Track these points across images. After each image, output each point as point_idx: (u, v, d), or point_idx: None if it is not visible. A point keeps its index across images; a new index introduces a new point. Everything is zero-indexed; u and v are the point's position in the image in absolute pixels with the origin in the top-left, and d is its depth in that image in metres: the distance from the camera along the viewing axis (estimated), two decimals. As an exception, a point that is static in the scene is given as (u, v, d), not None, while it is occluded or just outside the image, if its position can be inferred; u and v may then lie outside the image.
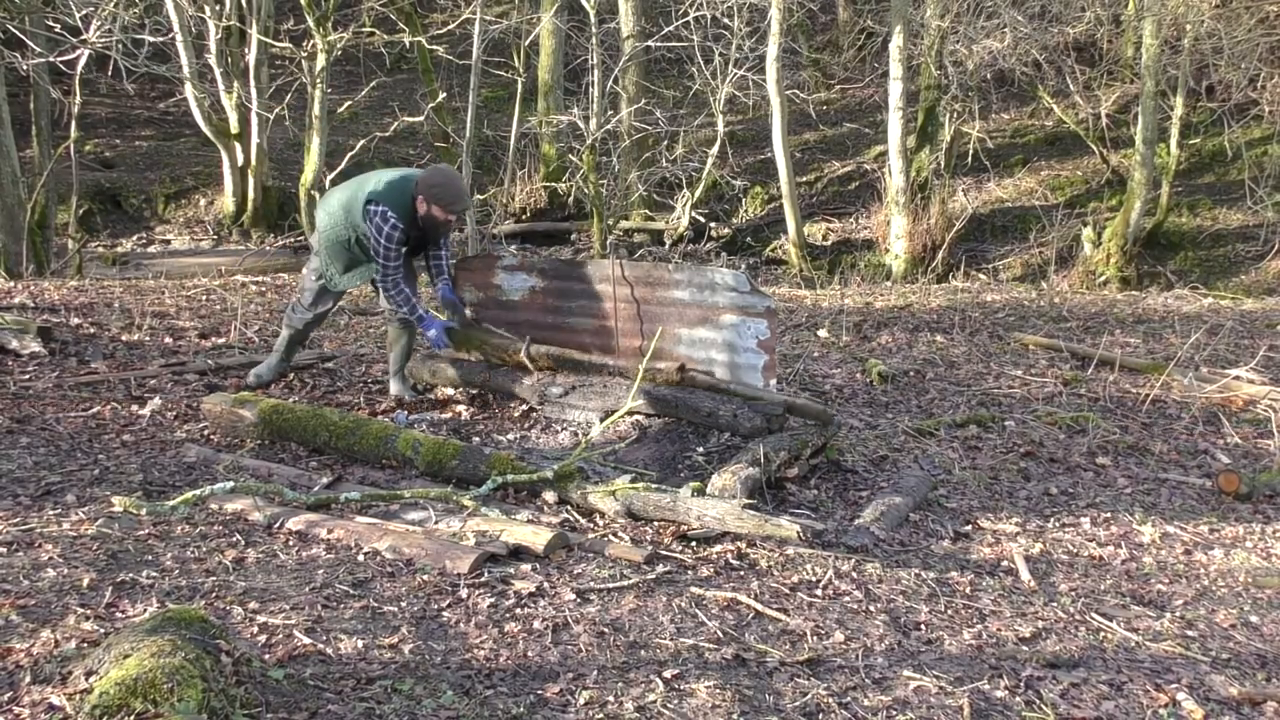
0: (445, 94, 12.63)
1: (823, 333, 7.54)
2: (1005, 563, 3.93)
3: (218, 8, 10.70)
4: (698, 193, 13.63)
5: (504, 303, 5.39)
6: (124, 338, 6.02)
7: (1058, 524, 4.40)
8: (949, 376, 6.43)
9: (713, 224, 14.08)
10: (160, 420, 4.78)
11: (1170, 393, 6.16)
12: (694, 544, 3.76)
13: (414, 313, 5.05)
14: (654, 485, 3.93)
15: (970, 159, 14.17)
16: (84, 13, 8.74)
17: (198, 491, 3.74)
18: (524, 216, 14.27)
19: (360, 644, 2.80)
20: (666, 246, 13.57)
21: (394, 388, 5.25)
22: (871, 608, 3.37)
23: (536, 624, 3.02)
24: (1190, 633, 3.45)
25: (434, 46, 11.04)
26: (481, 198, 13.29)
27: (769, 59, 12.47)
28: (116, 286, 7.96)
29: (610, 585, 3.33)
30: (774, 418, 4.58)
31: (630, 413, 4.70)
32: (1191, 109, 13.76)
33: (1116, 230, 12.58)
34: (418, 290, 5.25)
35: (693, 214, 13.71)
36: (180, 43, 10.18)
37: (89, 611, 2.84)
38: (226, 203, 13.17)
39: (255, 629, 2.84)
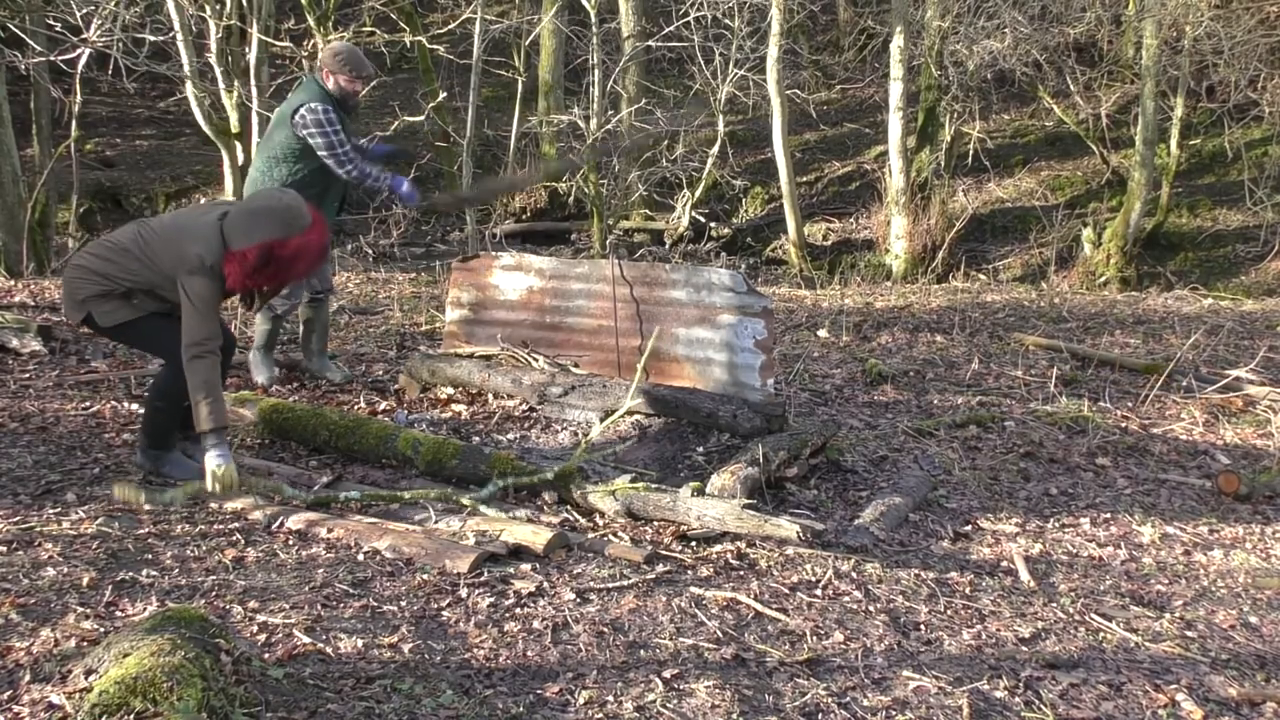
0: (446, 93, 12.61)
1: (823, 333, 7.54)
2: (1005, 563, 3.93)
3: (218, 7, 10.70)
4: (698, 193, 13.63)
5: (502, 302, 5.39)
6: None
7: (1057, 524, 4.40)
8: (949, 376, 6.43)
9: (713, 224, 14.09)
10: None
11: (1170, 393, 6.17)
12: (694, 544, 3.77)
13: (379, 179, 5.04)
14: (654, 485, 3.93)
15: (970, 159, 14.17)
16: (84, 11, 8.74)
17: (197, 483, 3.74)
18: (524, 216, 14.28)
19: (360, 643, 2.80)
20: (666, 246, 13.58)
21: (258, 367, 5.27)
22: (871, 608, 3.37)
23: (536, 624, 3.02)
24: (1190, 633, 3.45)
25: (434, 46, 11.04)
26: (482, 197, 13.29)
27: (769, 59, 12.46)
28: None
29: (610, 585, 3.33)
30: (773, 418, 4.58)
31: (630, 412, 4.70)
32: (1191, 109, 13.77)
33: (1116, 230, 12.59)
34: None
35: (693, 214, 13.72)
36: (181, 42, 10.17)
37: (89, 610, 2.85)
38: (226, 202, 13.18)
39: (255, 628, 2.84)
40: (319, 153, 4.94)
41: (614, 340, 5.10)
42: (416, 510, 3.85)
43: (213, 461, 3.68)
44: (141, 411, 4.35)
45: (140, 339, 4.08)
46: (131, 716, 2.11)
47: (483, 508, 3.84)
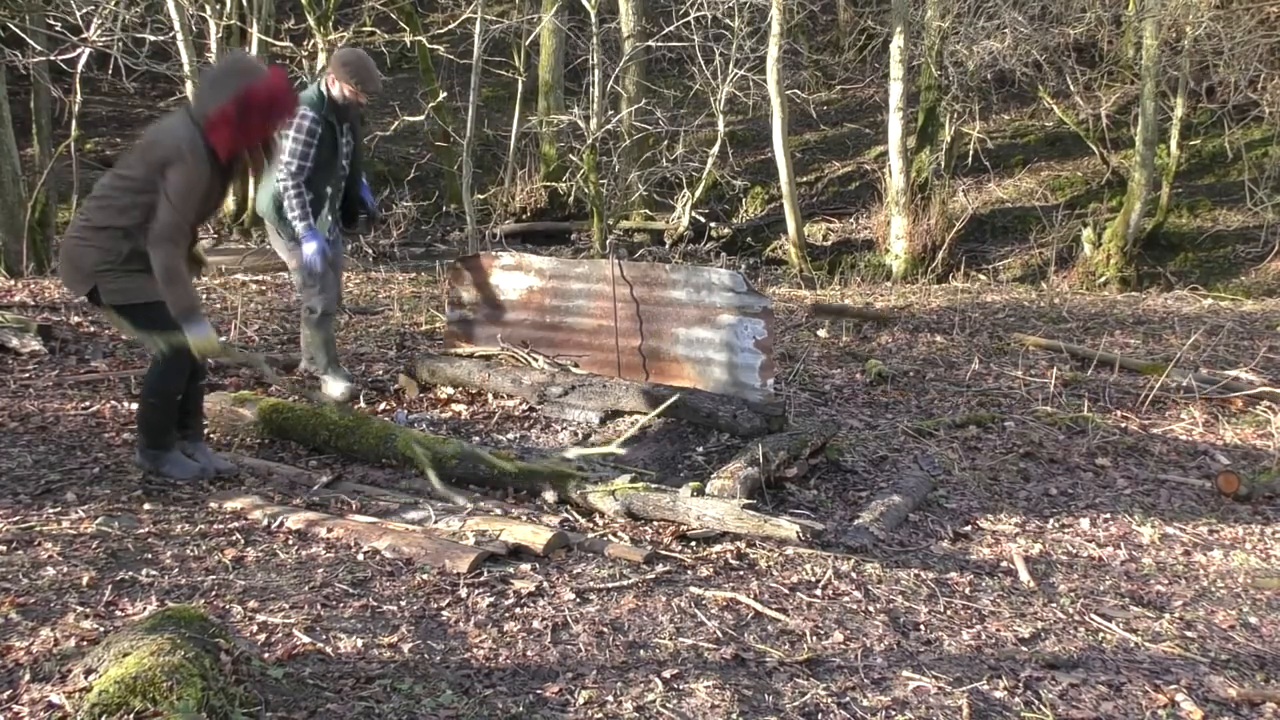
0: (446, 93, 12.63)
1: (823, 333, 7.54)
2: (1005, 563, 3.93)
3: (218, 6, 10.70)
4: (698, 193, 13.63)
5: (502, 302, 5.39)
6: (124, 336, 6.02)
7: (1057, 524, 4.40)
8: (949, 376, 6.43)
9: (713, 224, 14.08)
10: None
11: (1170, 394, 6.16)
12: (693, 544, 3.77)
13: (300, 215, 4.82)
14: (654, 485, 3.93)
15: (970, 159, 14.17)
16: (85, 11, 8.75)
17: (182, 337, 3.73)
18: (524, 216, 14.27)
19: (360, 643, 2.80)
20: (666, 246, 13.58)
21: (328, 384, 5.16)
22: (871, 608, 3.37)
23: (536, 623, 3.02)
24: (1189, 634, 3.46)
25: (434, 46, 11.05)
26: (482, 197, 13.30)
27: (770, 59, 12.46)
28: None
29: (610, 585, 3.33)
30: (773, 418, 4.58)
31: (630, 412, 4.70)
32: (1192, 110, 13.76)
33: (1116, 231, 12.58)
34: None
35: (693, 214, 13.71)
36: (181, 41, 10.18)
37: (88, 610, 2.85)
38: (227, 201, 13.15)
39: (255, 628, 2.84)
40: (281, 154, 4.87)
41: (614, 340, 5.11)
42: (416, 510, 3.85)
43: (189, 337, 3.74)
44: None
45: (139, 325, 4.03)
46: (131, 716, 2.11)
47: (481, 501, 3.85)
